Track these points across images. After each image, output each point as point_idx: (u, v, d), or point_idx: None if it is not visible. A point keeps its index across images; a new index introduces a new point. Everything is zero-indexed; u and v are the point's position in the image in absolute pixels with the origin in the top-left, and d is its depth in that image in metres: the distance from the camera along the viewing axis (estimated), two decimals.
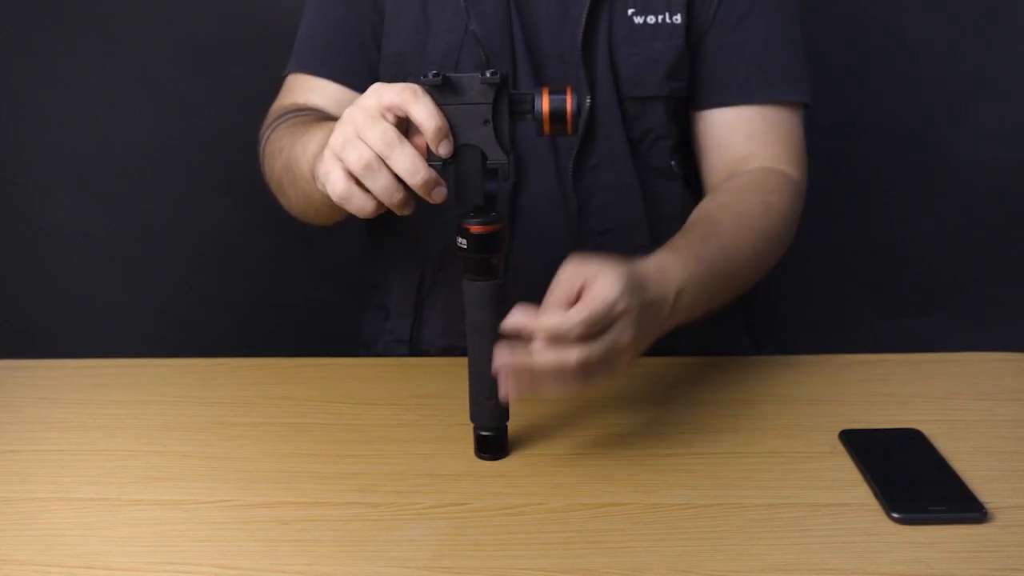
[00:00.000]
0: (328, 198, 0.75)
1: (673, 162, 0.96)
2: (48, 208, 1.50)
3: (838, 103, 1.47)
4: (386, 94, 0.69)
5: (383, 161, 0.68)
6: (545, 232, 0.91)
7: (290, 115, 0.94)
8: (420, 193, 0.69)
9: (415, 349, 1.02)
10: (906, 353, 0.92)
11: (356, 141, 0.69)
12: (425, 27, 0.94)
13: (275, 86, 1.03)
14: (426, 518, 0.69)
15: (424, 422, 0.82)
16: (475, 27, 0.91)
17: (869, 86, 1.45)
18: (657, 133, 0.94)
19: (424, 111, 0.67)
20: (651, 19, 0.91)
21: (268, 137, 0.95)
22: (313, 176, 0.77)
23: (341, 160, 0.70)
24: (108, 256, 1.52)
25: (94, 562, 0.64)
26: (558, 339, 0.67)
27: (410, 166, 0.68)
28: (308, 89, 0.99)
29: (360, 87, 0.97)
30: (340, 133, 0.70)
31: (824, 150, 1.49)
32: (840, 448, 0.76)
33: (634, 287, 0.70)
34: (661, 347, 0.97)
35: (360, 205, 0.70)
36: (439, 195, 0.69)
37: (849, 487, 0.71)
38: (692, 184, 0.99)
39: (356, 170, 0.68)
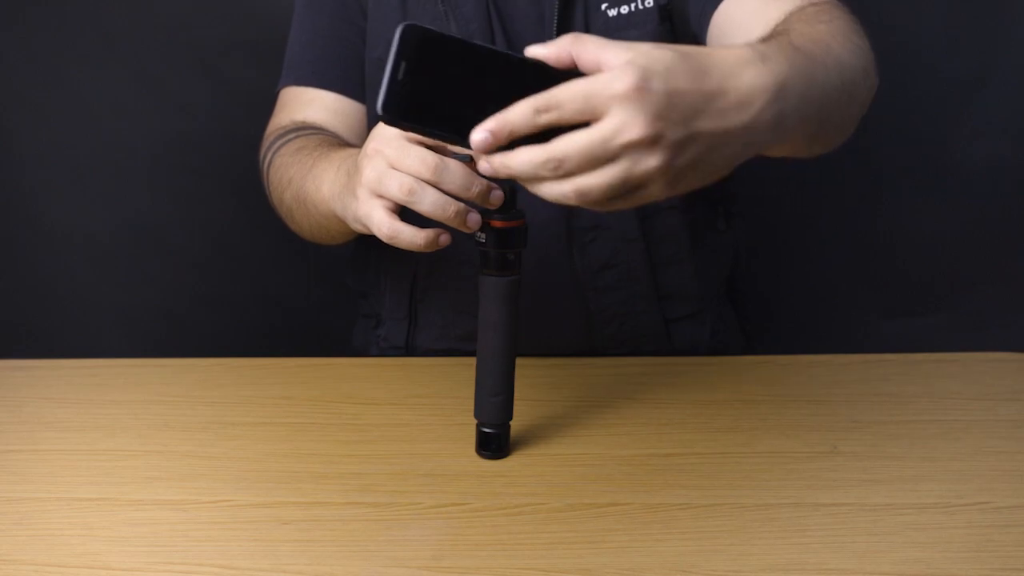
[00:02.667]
0: (347, 227, 0.76)
1: None
2: (48, 208, 1.50)
3: None
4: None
5: (426, 183, 0.67)
6: (534, 231, 0.90)
7: (291, 135, 0.93)
8: (478, 202, 0.67)
9: (411, 355, 1.02)
10: (906, 353, 0.92)
11: (392, 172, 0.67)
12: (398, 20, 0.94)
13: (275, 86, 1.03)
14: (426, 518, 0.69)
15: (424, 422, 0.82)
16: (455, 30, 0.91)
17: None
18: None
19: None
20: (624, 9, 0.90)
21: (271, 161, 0.94)
22: (339, 217, 0.76)
23: (381, 196, 0.69)
24: (108, 256, 1.52)
25: (94, 562, 0.65)
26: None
27: (462, 181, 0.66)
28: (304, 103, 0.98)
29: (355, 94, 0.97)
30: (372, 169, 0.68)
31: None
32: (840, 448, 0.76)
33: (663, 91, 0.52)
34: (659, 346, 0.98)
35: (410, 239, 0.69)
36: (497, 199, 0.68)
37: (849, 487, 0.71)
38: None
39: (401, 198, 0.67)
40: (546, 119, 0.54)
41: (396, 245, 0.70)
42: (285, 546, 0.66)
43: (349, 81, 0.97)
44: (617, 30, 0.90)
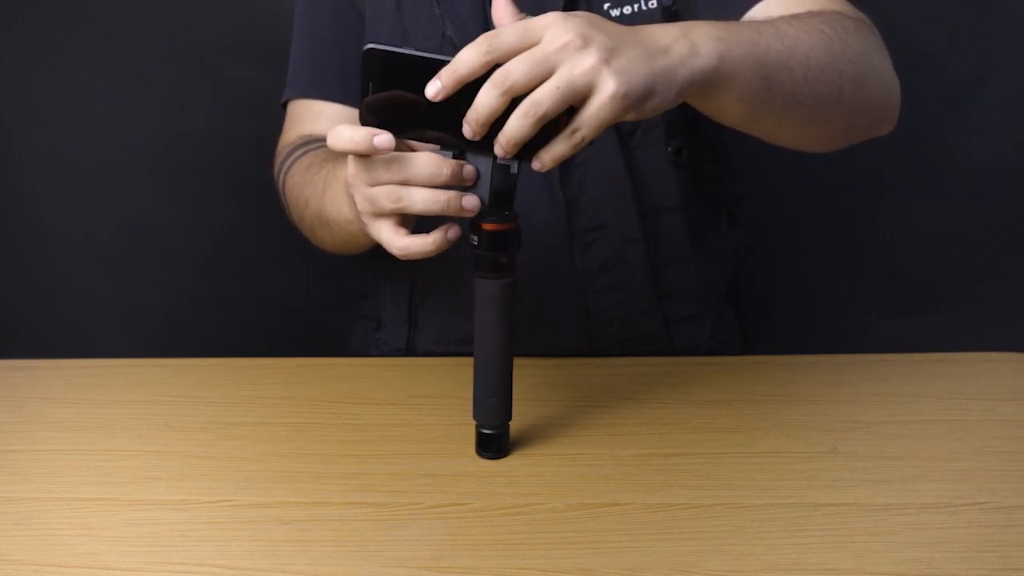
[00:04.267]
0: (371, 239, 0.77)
1: (670, 149, 0.94)
2: (48, 208, 1.50)
3: None
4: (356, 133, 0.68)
5: (410, 187, 0.68)
6: (534, 232, 0.89)
7: (299, 151, 0.93)
8: (454, 183, 0.68)
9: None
10: (906, 353, 0.92)
11: (375, 191, 0.69)
12: (402, 35, 0.93)
13: (275, 86, 1.03)
14: (426, 518, 0.69)
15: (424, 422, 0.82)
16: (451, 33, 0.91)
17: None
18: (648, 123, 0.92)
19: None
20: (627, 9, 0.90)
21: (284, 181, 0.95)
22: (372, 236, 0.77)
23: (381, 216, 0.70)
24: (108, 256, 1.52)
25: (94, 562, 0.64)
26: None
27: (430, 169, 0.67)
28: (312, 116, 0.98)
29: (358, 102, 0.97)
30: (359, 196, 0.70)
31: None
32: (840, 448, 0.76)
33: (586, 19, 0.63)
34: (659, 346, 0.98)
35: (420, 248, 0.70)
36: (469, 174, 0.68)
37: (849, 487, 0.71)
38: (695, 171, 0.96)
39: (394, 209, 0.68)
40: (488, 52, 0.61)
41: (412, 258, 0.71)
42: (285, 546, 0.66)
43: (351, 90, 0.97)
44: None
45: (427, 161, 0.67)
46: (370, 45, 0.65)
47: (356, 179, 0.70)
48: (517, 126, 0.63)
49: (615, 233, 0.93)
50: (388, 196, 0.68)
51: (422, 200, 0.68)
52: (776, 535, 0.65)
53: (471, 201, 0.69)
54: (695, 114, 0.94)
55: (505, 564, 0.63)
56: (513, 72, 0.61)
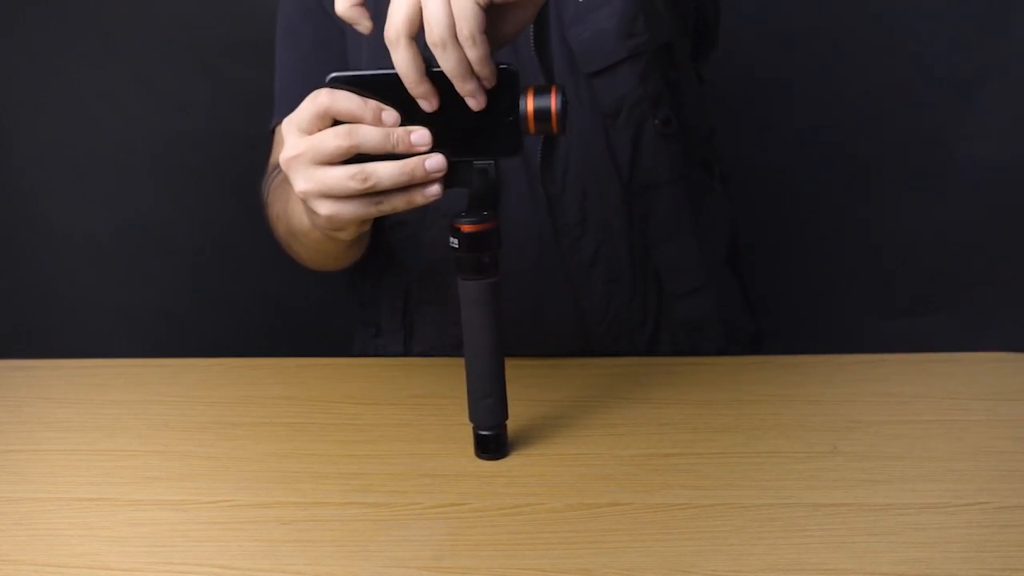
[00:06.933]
0: (344, 245, 0.77)
1: (657, 121, 0.93)
2: (48, 208, 1.50)
3: (839, 101, 1.47)
4: (303, 119, 0.66)
5: (376, 163, 0.65)
6: (517, 231, 0.88)
7: (276, 171, 0.93)
8: (402, 150, 0.65)
9: None
10: (906, 353, 0.92)
11: (329, 170, 0.66)
12: (378, 39, 0.93)
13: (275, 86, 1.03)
14: (426, 518, 0.69)
15: (424, 422, 0.82)
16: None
17: (870, 85, 1.45)
18: (631, 100, 0.92)
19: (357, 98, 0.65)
20: None
21: (265, 201, 0.95)
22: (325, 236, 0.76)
23: (328, 197, 0.67)
24: (108, 256, 1.52)
25: (94, 562, 0.65)
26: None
27: (379, 134, 0.65)
28: None
29: None
30: (303, 180, 0.66)
31: (825, 148, 1.49)
32: (840, 448, 0.76)
33: None
34: (657, 327, 0.98)
35: (353, 212, 0.67)
36: (419, 139, 0.65)
37: (849, 487, 0.71)
38: (686, 139, 0.96)
39: (361, 188, 0.65)
40: (405, 36, 0.63)
41: (347, 217, 0.68)
42: (285, 546, 0.66)
43: None
44: (589, 12, 0.90)
45: (372, 128, 0.65)
46: (332, 75, 0.66)
47: (300, 158, 0.66)
48: (441, 58, 0.62)
49: (601, 225, 0.93)
50: (353, 177, 0.65)
51: (389, 174, 0.65)
52: (776, 535, 0.65)
53: (435, 162, 0.66)
54: (676, 80, 0.95)
55: (505, 564, 0.63)
56: (390, 19, 0.62)
